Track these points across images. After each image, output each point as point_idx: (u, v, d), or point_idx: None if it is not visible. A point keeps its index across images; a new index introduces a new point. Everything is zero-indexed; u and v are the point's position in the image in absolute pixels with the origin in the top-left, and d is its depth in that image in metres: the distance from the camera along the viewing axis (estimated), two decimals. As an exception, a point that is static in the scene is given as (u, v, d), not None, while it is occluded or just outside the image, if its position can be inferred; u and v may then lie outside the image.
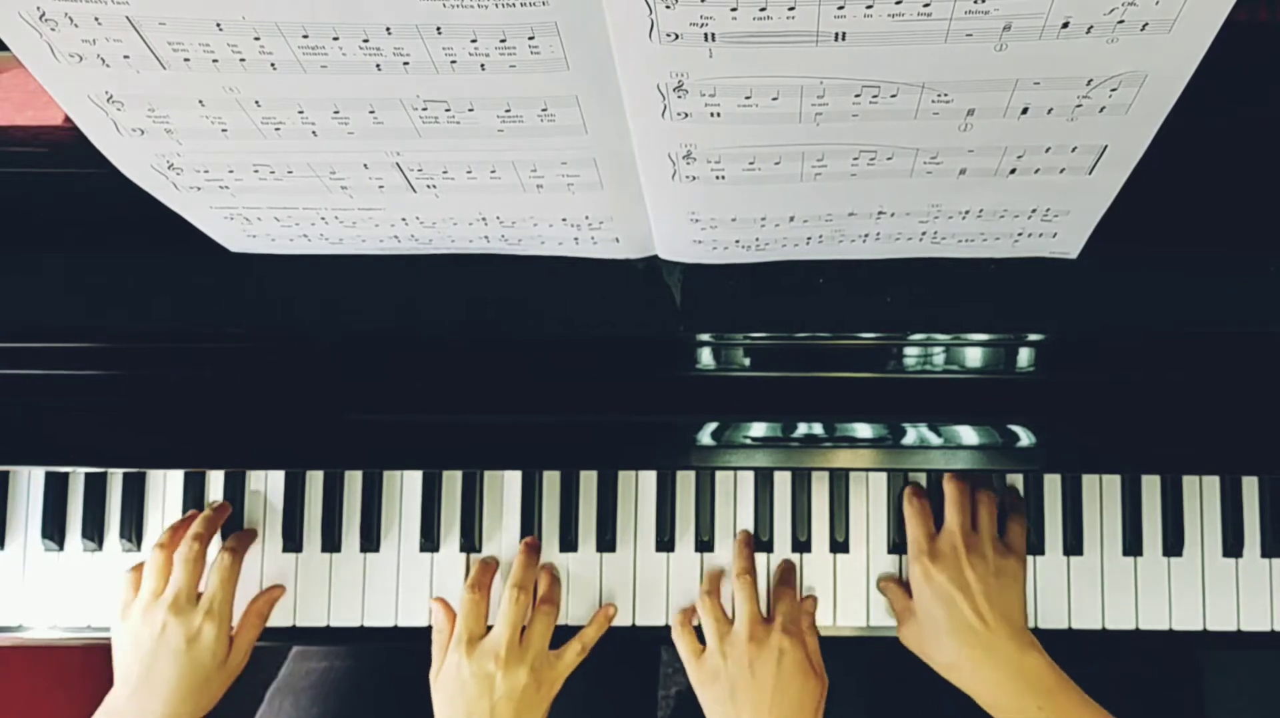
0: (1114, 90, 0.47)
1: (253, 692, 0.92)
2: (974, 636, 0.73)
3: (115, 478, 0.86)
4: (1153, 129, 0.50)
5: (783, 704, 0.75)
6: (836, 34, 0.43)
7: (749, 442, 0.73)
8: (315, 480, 0.86)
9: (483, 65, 0.46)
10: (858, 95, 0.47)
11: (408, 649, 0.82)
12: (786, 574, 0.83)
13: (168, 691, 0.74)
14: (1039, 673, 0.72)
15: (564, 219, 0.61)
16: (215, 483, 0.86)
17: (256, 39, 0.45)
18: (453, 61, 0.46)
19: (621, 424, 0.73)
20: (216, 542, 0.82)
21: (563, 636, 0.82)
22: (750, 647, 0.77)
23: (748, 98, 0.47)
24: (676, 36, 0.43)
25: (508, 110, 0.50)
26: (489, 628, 0.79)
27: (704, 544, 0.84)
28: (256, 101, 0.49)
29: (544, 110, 0.50)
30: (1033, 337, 0.70)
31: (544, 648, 0.79)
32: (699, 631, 0.81)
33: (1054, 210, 0.59)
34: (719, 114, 0.48)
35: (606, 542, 0.85)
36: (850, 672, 0.85)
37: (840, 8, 0.41)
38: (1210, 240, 0.67)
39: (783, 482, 0.85)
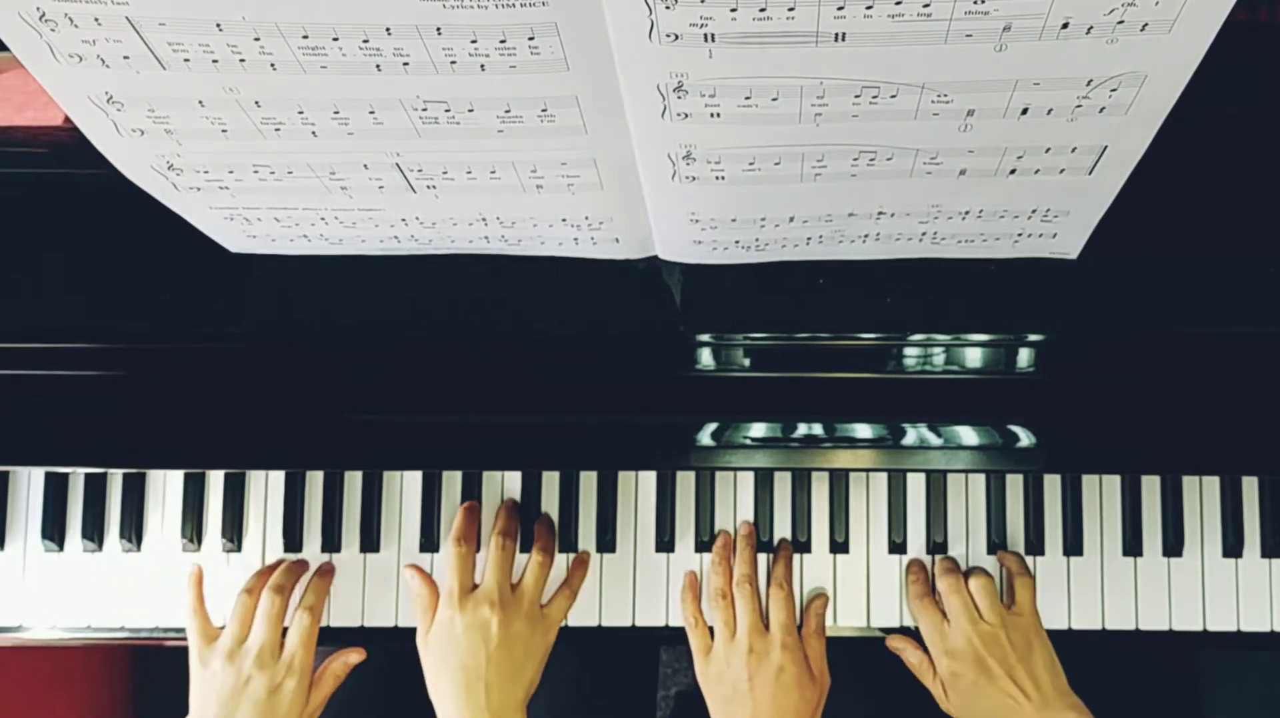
0: (1114, 90, 0.47)
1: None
2: (1019, 710, 0.74)
3: (115, 478, 0.86)
4: (1153, 129, 0.50)
5: (779, 716, 0.75)
6: (836, 34, 0.43)
7: (749, 442, 0.73)
8: (315, 480, 0.86)
9: (483, 66, 0.46)
10: (858, 96, 0.47)
11: (408, 650, 0.81)
12: (783, 574, 0.82)
13: None
14: None
15: (564, 219, 0.61)
16: (215, 483, 0.86)
17: (256, 39, 0.45)
18: (453, 62, 0.46)
19: (621, 424, 0.73)
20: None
21: (563, 637, 0.82)
22: (750, 659, 0.77)
23: (748, 98, 0.47)
24: (676, 37, 0.43)
25: (508, 111, 0.50)
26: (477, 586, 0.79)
27: (704, 545, 0.84)
28: (256, 102, 0.49)
29: (544, 111, 0.50)
30: (1033, 337, 0.70)
31: (537, 598, 0.79)
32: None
33: (1054, 211, 0.59)
34: (719, 114, 0.48)
35: (606, 542, 0.85)
36: (850, 672, 0.85)
37: (840, 8, 0.41)
38: (1210, 240, 0.67)
39: (783, 482, 0.85)
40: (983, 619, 0.77)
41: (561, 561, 0.84)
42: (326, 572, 0.84)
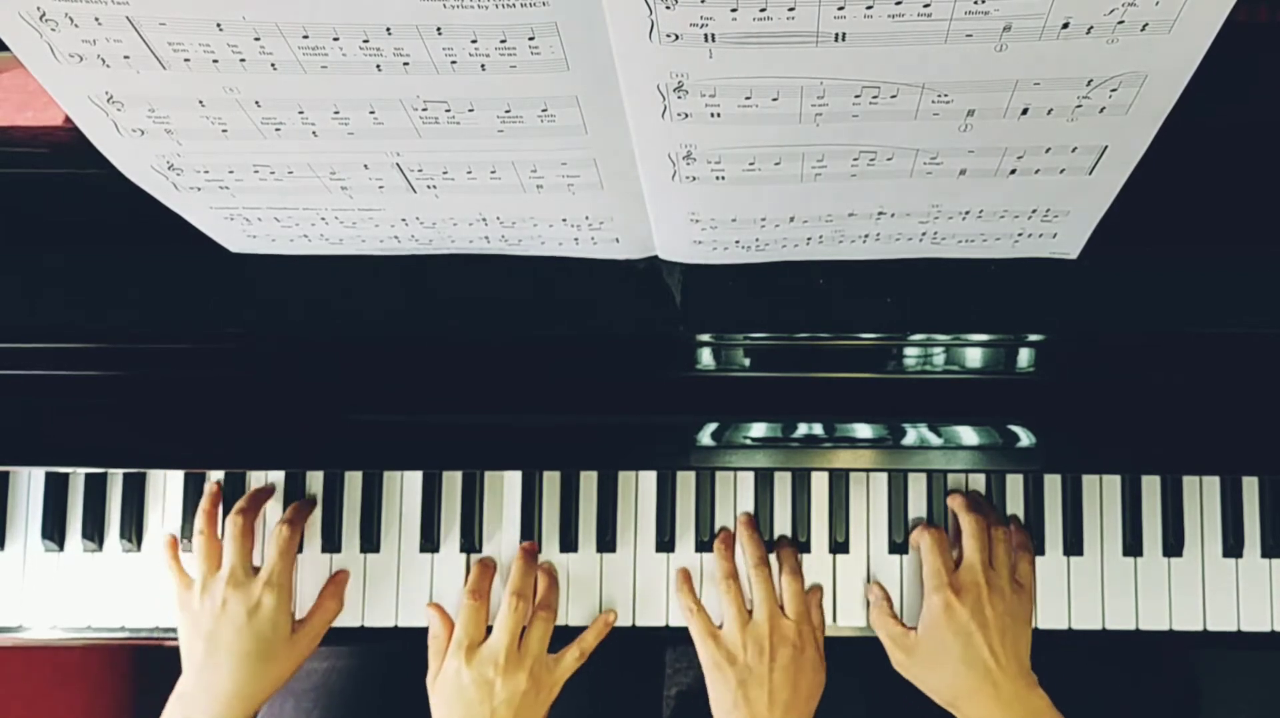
0: (1114, 90, 0.47)
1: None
2: (986, 672, 0.74)
3: (115, 478, 0.86)
4: (1153, 129, 0.50)
5: (795, 699, 0.76)
6: (836, 34, 0.43)
7: (749, 442, 0.73)
8: (315, 481, 0.86)
9: (483, 66, 0.46)
10: (858, 96, 0.47)
11: (408, 650, 0.81)
12: (795, 564, 0.82)
13: (232, 664, 0.75)
14: (1042, 712, 0.73)
15: (564, 219, 0.61)
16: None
17: (256, 39, 0.45)
18: (453, 62, 0.46)
19: (621, 424, 0.73)
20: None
21: (562, 636, 0.82)
22: (772, 639, 0.77)
23: (748, 98, 0.47)
24: (676, 37, 0.43)
25: (508, 111, 0.50)
26: (488, 632, 0.79)
27: (704, 545, 0.84)
28: (256, 102, 0.49)
29: (544, 111, 0.50)
30: (1033, 337, 0.70)
31: (542, 653, 0.79)
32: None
33: (1054, 211, 0.59)
34: (719, 114, 0.48)
35: (607, 542, 0.85)
36: (850, 672, 0.85)
37: (840, 8, 0.41)
38: (1210, 240, 0.67)
39: (783, 482, 0.85)
40: (994, 569, 0.78)
41: (563, 563, 0.84)
42: (308, 503, 0.84)
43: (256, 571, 0.79)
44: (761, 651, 0.77)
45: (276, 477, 0.86)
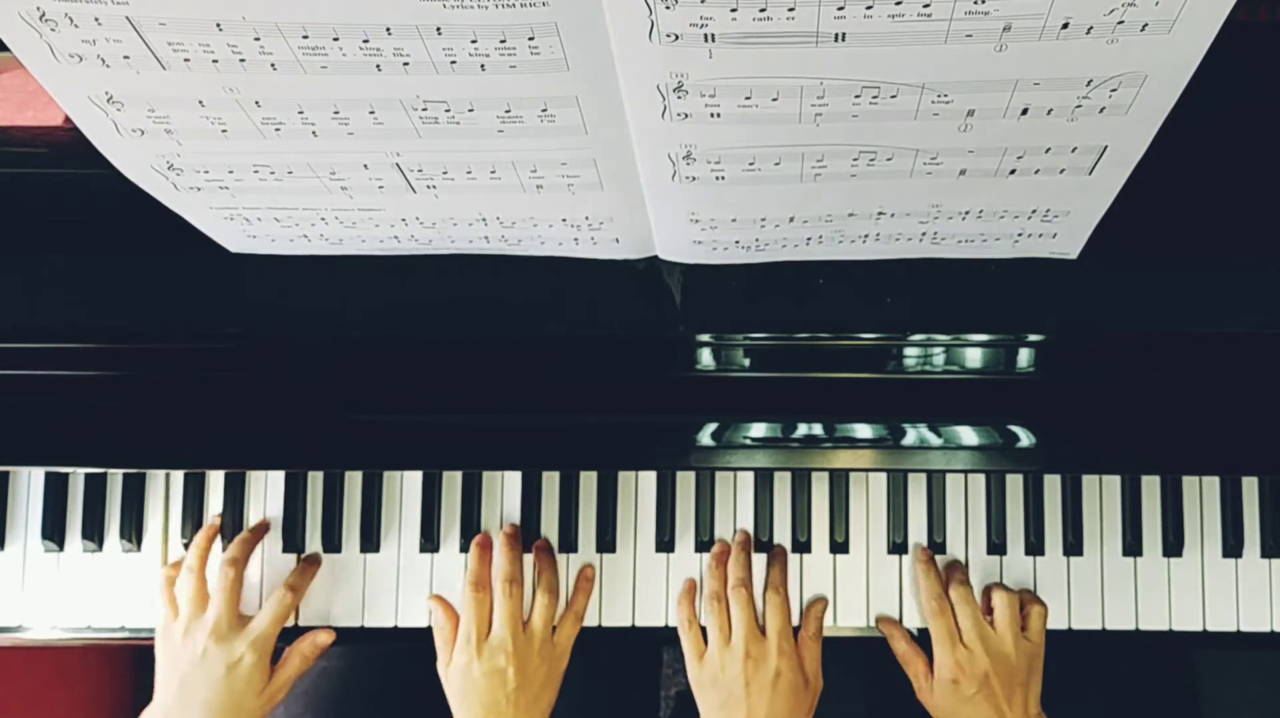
0: (1114, 91, 0.47)
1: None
2: None
3: (115, 478, 0.86)
4: (1153, 129, 0.50)
5: None
6: (836, 34, 0.43)
7: (749, 442, 0.73)
8: (315, 481, 0.86)
9: (483, 66, 0.46)
10: (858, 96, 0.47)
11: (403, 651, 0.82)
12: (778, 579, 0.82)
13: (201, 713, 0.75)
14: None
15: (564, 219, 0.61)
16: (215, 483, 0.86)
17: (256, 39, 0.45)
18: (453, 62, 0.46)
19: (621, 424, 0.73)
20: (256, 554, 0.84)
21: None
22: (747, 665, 0.77)
23: (748, 98, 0.47)
24: (676, 37, 0.43)
25: (507, 111, 0.50)
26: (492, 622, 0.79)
27: (704, 545, 0.84)
28: (256, 102, 0.49)
29: (544, 111, 0.50)
30: (1033, 337, 0.70)
31: (548, 634, 0.80)
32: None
33: (1054, 211, 0.59)
34: (719, 115, 0.48)
35: (606, 542, 0.85)
36: (850, 672, 0.85)
37: (840, 8, 0.41)
38: (1210, 240, 0.67)
39: (783, 482, 0.85)
40: (996, 634, 0.78)
41: (563, 563, 0.84)
42: (313, 561, 0.84)
43: (243, 617, 0.79)
44: (737, 675, 0.77)
45: (276, 477, 0.86)
